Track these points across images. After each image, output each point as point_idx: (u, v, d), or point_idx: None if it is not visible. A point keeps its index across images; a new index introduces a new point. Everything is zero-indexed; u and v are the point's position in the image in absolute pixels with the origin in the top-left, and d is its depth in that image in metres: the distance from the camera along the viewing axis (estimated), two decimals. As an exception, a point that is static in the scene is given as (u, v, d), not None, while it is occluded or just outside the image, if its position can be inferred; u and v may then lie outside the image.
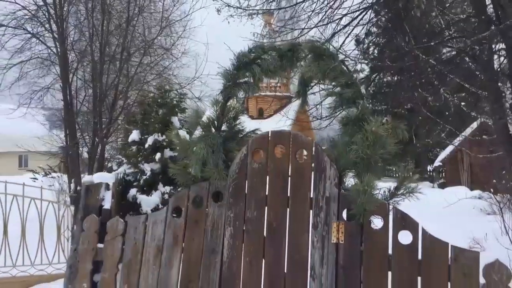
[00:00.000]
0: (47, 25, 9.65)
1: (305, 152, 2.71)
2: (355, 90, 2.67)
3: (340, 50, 4.64)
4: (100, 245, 2.99)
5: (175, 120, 6.22)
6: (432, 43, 4.94)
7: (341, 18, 5.28)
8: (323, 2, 5.25)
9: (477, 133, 12.58)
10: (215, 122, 2.99)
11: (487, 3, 4.86)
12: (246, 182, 2.74)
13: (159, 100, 6.38)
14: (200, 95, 10.61)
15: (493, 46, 5.11)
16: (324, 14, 5.19)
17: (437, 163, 20.37)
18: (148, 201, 5.66)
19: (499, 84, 5.68)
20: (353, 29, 5.38)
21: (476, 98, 7.74)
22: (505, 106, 5.62)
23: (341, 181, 2.62)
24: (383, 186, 2.67)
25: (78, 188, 8.81)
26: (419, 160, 22.60)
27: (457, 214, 8.31)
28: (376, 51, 9.60)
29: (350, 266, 2.50)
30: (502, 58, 5.75)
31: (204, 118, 3.05)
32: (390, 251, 2.47)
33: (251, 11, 5.50)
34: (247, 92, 2.94)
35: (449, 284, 2.37)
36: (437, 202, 8.57)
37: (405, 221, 2.45)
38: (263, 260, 2.66)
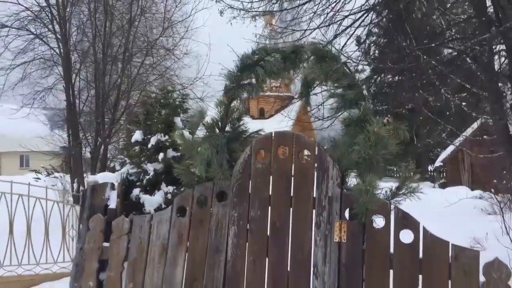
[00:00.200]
0: (50, 26, 9.72)
1: (306, 152, 2.74)
2: (357, 92, 2.71)
3: (341, 52, 4.68)
4: (106, 244, 3.03)
5: (177, 120, 6.25)
6: (433, 45, 4.97)
7: (343, 19, 5.33)
8: (324, 4, 5.30)
9: (478, 133, 12.59)
10: (219, 123, 3.04)
11: (487, 5, 4.90)
12: (250, 182, 2.79)
13: (161, 101, 6.40)
14: (202, 95, 10.68)
15: (494, 47, 5.14)
16: (326, 16, 5.23)
17: (438, 163, 20.38)
18: (151, 201, 5.69)
19: (499, 84, 5.71)
20: (355, 31, 5.43)
21: (477, 98, 7.76)
22: (506, 107, 5.65)
23: (344, 181, 2.66)
24: (385, 186, 2.71)
25: (81, 188, 8.87)
26: (420, 160, 22.62)
27: (458, 214, 8.32)
28: (377, 51, 9.63)
29: (352, 264, 2.54)
30: (502, 59, 5.78)
31: (208, 119, 3.10)
32: (391, 250, 2.51)
33: (254, 13, 5.54)
34: (250, 94, 2.98)
35: (449, 282, 2.41)
36: (438, 202, 8.58)
37: (406, 221, 2.49)
38: (267, 258, 2.70)
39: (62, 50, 9.51)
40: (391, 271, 2.50)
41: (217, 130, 3.02)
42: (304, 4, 5.38)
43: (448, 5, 6.57)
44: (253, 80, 3.06)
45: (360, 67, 6.11)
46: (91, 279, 3.02)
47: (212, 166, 2.84)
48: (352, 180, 2.70)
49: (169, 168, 5.85)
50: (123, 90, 9.83)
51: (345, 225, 2.56)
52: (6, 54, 9.66)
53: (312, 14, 5.28)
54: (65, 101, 9.86)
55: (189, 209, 2.90)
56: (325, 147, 2.81)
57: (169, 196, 5.74)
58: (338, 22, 5.29)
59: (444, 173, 20.85)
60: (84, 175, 9.56)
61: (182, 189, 5.50)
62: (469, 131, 13.60)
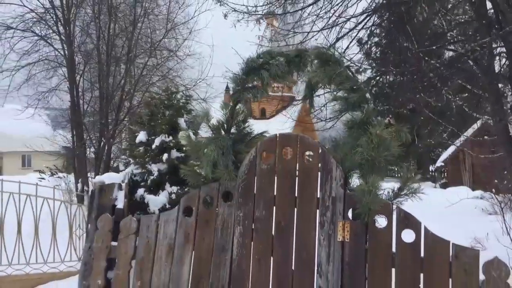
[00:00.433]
0: (54, 28, 9.80)
1: (307, 153, 2.80)
2: (360, 95, 2.77)
3: (343, 55, 4.73)
4: (114, 243, 3.09)
5: (181, 121, 6.33)
6: (434, 47, 5.03)
7: (345, 22, 5.39)
8: (326, 7, 5.35)
9: (478, 133, 12.64)
10: (225, 125, 3.10)
11: (487, 8, 4.95)
12: (255, 182, 2.84)
13: (165, 102, 6.48)
14: (205, 96, 10.77)
15: (494, 50, 5.19)
16: (328, 20, 5.29)
17: (439, 163, 20.41)
18: (155, 201, 5.77)
19: (500, 85, 5.76)
20: (357, 33, 5.48)
21: (478, 98, 7.81)
22: (506, 108, 5.70)
23: (347, 181, 2.71)
24: (387, 186, 2.77)
25: (85, 188, 8.94)
26: (421, 160, 22.63)
27: (459, 214, 8.36)
28: (378, 52, 9.67)
29: (355, 263, 2.59)
30: (503, 60, 5.83)
31: (214, 121, 3.16)
32: (393, 249, 2.57)
33: (259, 16, 5.58)
34: (255, 96, 3.04)
35: (450, 280, 2.46)
36: (439, 202, 8.62)
37: (408, 221, 2.55)
38: (272, 257, 2.75)
39: (66, 52, 9.60)
40: (393, 270, 2.56)
41: (222, 132, 3.08)
42: (307, 7, 5.44)
43: (450, 5, 6.62)
44: (259, 83, 3.12)
45: (361, 68, 6.16)
46: (99, 277, 3.07)
47: (218, 167, 2.89)
48: (355, 181, 2.75)
49: (173, 169, 5.94)
50: (127, 91, 9.90)
51: (348, 225, 2.62)
52: (11, 55, 9.77)
53: (315, 17, 5.35)
54: (69, 102, 9.94)
55: (195, 209, 2.96)
56: (326, 147, 2.87)
57: (173, 196, 5.81)
58: (341, 25, 5.35)
59: (445, 173, 20.88)
60: (88, 175, 9.63)
61: (186, 189, 5.58)
62: (470, 131, 13.65)
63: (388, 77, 8.38)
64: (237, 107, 3.13)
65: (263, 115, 26.34)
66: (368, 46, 7.38)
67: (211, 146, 2.90)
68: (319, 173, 2.73)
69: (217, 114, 3.33)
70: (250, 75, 3.05)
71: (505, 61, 5.28)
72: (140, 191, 5.84)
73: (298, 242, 2.71)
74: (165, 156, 5.97)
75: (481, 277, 2.43)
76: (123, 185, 3.38)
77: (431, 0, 4.98)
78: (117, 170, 8.26)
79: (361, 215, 2.57)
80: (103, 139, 9.44)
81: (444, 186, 18.30)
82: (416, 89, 6.18)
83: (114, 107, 9.72)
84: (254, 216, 2.81)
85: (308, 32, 5.50)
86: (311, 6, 5.36)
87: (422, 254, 2.53)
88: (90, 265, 3.13)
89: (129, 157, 6.97)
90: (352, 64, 3.73)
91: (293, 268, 2.71)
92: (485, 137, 11.08)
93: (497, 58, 5.84)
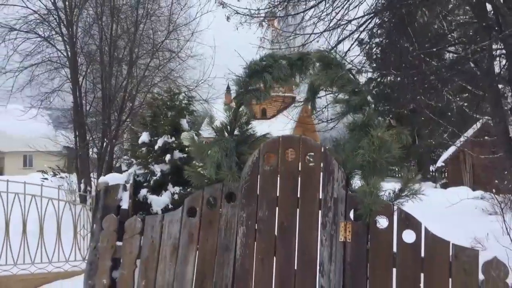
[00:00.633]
0: (57, 29, 9.86)
1: (309, 155, 2.85)
2: (362, 98, 2.82)
3: (345, 58, 4.78)
4: (119, 243, 3.14)
5: (183, 122, 6.37)
6: (435, 49, 5.07)
7: (346, 24, 5.43)
8: (328, 8, 5.39)
9: (479, 134, 12.66)
10: (228, 127, 3.15)
11: (488, 10, 4.99)
12: (258, 183, 2.89)
13: (168, 103, 6.51)
14: (207, 97, 10.83)
15: (494, 52, 5.23)
16: (330, 22, 5.33)
17: (439, 163, 20.44)
18: (158, 201, 5.79)
19: (500, 86, 5.79)
20: (359, 36, 5.52)
21: (478, 99, 7.84)
22: (506, 108, 5.73)
23: (348, 183, 2.77)
24: (387, 186, 2.81)
25: (88, 188, 9.00)
26: (421, 160, 22.66)
27: (459, 214, 8.39)
28: (378, 52, 9.70)
29: (357, 263, 2.64)
30: (503, 61, 5.86)
31: (217, 123, 3.21)
32: (394, 249, 2.62)
33: (261, 18, 5.62)
34: (258, 99, 3.09)
35: (450, 280, 2.52)
36: (440, 202, 8.66)
37: (409, 221, 2.60)
38: (274, 257, 2.80)
39: (69, 53, 9.66)
40: (394, 270, 2.61)
41: (226, 134, 3.13)
42: (308, 9, 5.49)
43: (450, 6, 6.65)
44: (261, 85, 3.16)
45: (363, 68, 6.19)
46: (104, 276, 3.12)
47: (221, 168, 2.94)
48: (357, 182, 2.80)
49: (176, 169, 5.98)
50: (129, 92, 9.96)
51: (350, 225, 2.67)
52: (15, 56, 9.83)
53: (317, 19, 5.39)
54: (72, 102, 10.00)
55: (199, 209, 3.01)
56: (327, 147, 2.92)
57: (176, 196, 5.84)
58: (342, 27, 5.39)
59: (446, 174, 20.91)
60: (91, 175, 9.69)
61: (188, 189, 5.62)
62: (470, 132, 13.68)
63: (389, 77, 8.41)
64: (240, 109, 3.18)
65: (263, 115, 26.39)
66: (369, 46, 7.42)
67: (215, 148, 2.95)
68: (321, 175, 2.78)
69: (218, 114, 3.38)
70: (253, 78, 3.10)
71: (505, 63, 5.32)
72: (143, 192, 5.87)
73: (301, 242, 2.76)
74: (167, 156, 6.00)
75: (481, 276, 2.48)
76: (128, 185, 3.43)
77: (431, 4, 5.03)
78: (119, 170, 8.31)
79: (362, 216, 2.62)
80: (105, 139, 9.49)
81: (444, 186, 18.33)
82: (416, 90, 6.22)
83: (117, 108, 9.78)
84: (257, 216, 2.86)
85: (310, 34, 5.54)
86: (313, 9, 5.41)
87: (422, 254, 2.58)
88: (96, 265, 3.18)
89: (132, 157, 7.01)
90: (353, 68, 3.77)
91: (295, 267, 2.76)
92: (486, 137, 11.10)
93: (497, 59, 5.88)
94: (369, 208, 2.55)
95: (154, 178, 6.04)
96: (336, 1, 5.29)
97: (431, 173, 22.67)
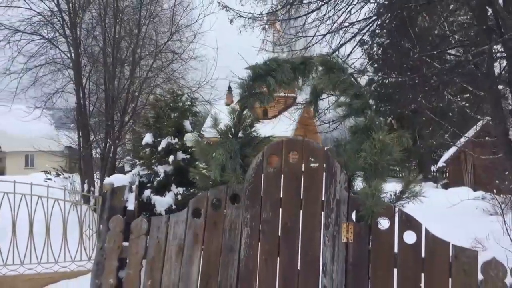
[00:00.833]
0: (61, 31, 9.92)
1: (312, 157, 2.90)
2: (364, 101, 2.88)
3: (346, 60, 4.83)
4: (125, 244, 3.19)
5: (186, 123, 6.44)
6: (435, 52, 5.12)
7: (348, 27, 5.48)
8: (330, 11, 5.45)
9: (480, 134, 12.69)
10: (233, 129, 3.21)
11: (488, 12, 5.04)
12: (262, 185, 2.94)
13: (171, 104, 6.59)
14: (209, 98, 10.90)
15: (494, 54, 5.28)
16: (332, 25, 5.38)
17: (440, 163, 20.44)
18: (161, 202, 5.87)
19: (500, 87, 5.83)
20: (361, 38, 5.56)
21: (479, 100, 7.88)
22: (505, 110, 5.77)
23: (350, 185, 2.82)
24: (388, 187, 2.87)
25: (91, 188, 9.07)
26: (422, 160, 22.70)
27: (460, 215, 8.43)
28: (380, 52, 9.73)
29: (359, 263, 2.70)
30: (503, 63, 5.90)
31: (222, 126, 3.27)
32: (395, 250, 2.67)
33: (264, 21, 5.67)
34: (262, 102, 3.14)
35: (450, 280, 2.57)
36: (441, 203, 8.69)
37: (409, 222, 2.65)
38: (278, 258, 2.86)
39: (73, 54, 9.73)
40: (395, 270, 2.66)
41: (230, 136, 3.18)
42: (311, 13, 5.54)
43: (451, 6, 6.68)
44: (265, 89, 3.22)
45: (364, 68, 6.25)
46: (111, 276, 3.17)
47: (226, 170, 2.99)
48: (359, 184, 2.86)
49: (179, 170, 6.05)
50: (132, 93, 10.02)
51: (352, 226, 2.72)
52: (19, 58, 9.89)
53: (319, 22, 5.44)
54: (75, 103, 10.06)
55: (204, 211, 3.05)
56: (329, 147, 2.97)
57: (179, 197, 5.91)
58: (344, 29, 5.43)
59: (447, 174, 20.92)
60: (94, 175, 9.76)
61: (192, 190, 5.69)
62: (471, 132, 13.69)
63: (390, 78, 8.45)
64: (244, 112, 3.24)
65: (265, 116, 26.43)
66: (370, 47, 7.46)
67: (219, 150, 3.01)
68: (324, 176, 2.83)
69: (220, 115, 3.44)
70: (257, 81, 3.16)
71: (505, 66, 5.37)
72: (147, 192, 5.95)
73: (304, 243, 2.81)
74: (171, 157, 6.07)
75: (480, 277, 2.53)
76: (134, 187, 3.49)
77: (431, 9, 5.09)
78: (122, 171, 8.38)
79: (364, 217, 2.67)
80: (109, 140, 9.55)
81: (445, 186, 18.35)
82: (417, 92, 6.27)
83: (120, 109, 9.84)
84: (261, 217, 2.91)
85: (312, 37, 5.59)
86: (315, 12, 5.47)
87: (423, 255, 2.63)
88: (102, 265, 3.23)
89: (135, 158, 7.08)
90: (355, 72, 3.83)
91: (298, 268, 2.81)
92: (486, 138, 11.14)
93: (497, 61, 5.92)
94: (371, 209, 2.61)
95: (158, 179, 6.11)
96: (338, 4, 5.35)
97: (432, 173, 22.68)
